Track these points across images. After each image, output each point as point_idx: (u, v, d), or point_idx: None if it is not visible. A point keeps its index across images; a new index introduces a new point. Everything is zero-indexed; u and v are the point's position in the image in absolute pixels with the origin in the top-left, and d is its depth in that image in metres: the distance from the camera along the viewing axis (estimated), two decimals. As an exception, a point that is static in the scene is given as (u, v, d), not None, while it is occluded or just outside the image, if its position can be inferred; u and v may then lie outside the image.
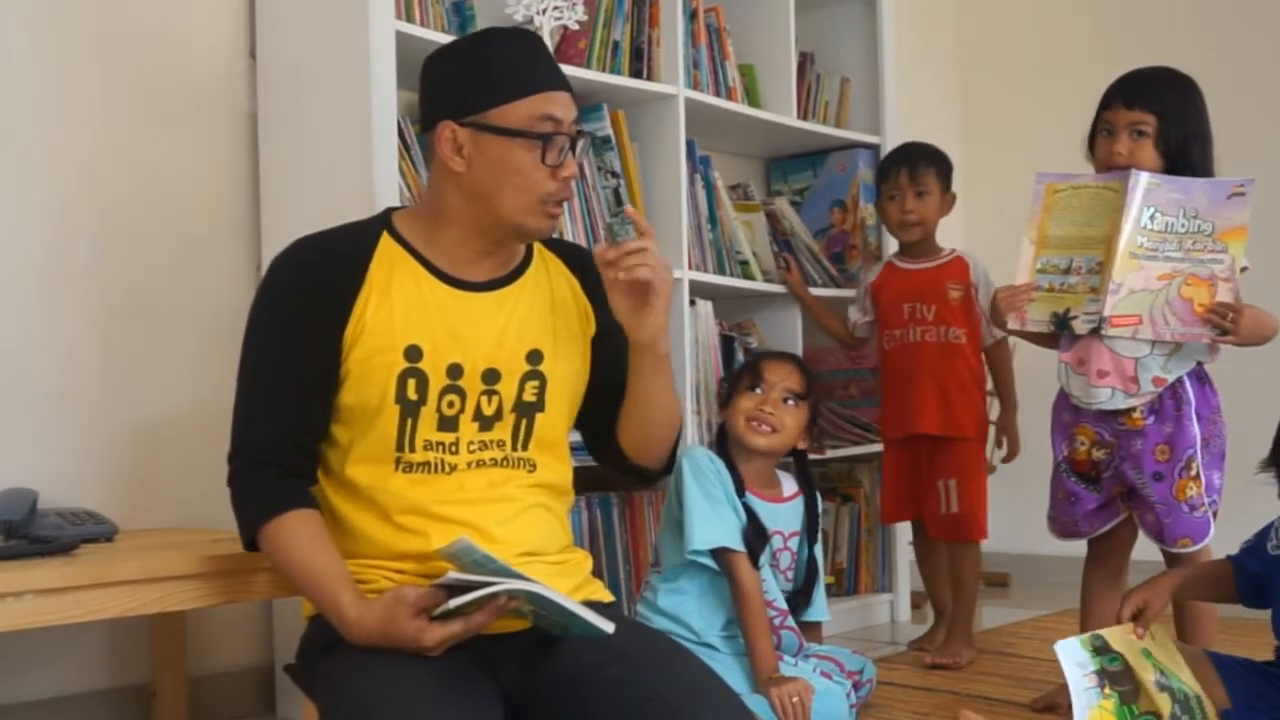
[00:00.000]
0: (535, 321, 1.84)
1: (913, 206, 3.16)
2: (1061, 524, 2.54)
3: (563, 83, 1.83)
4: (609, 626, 1.61)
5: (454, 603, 1.55)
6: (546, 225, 1.82)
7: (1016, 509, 4.40)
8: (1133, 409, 2.43)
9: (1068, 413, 2.54)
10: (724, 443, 2.59)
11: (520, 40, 1.85)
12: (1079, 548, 2.58)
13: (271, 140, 2.68)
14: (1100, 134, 2.51)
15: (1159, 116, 2.44)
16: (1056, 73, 4.50)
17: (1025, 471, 4.34)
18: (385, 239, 1.82)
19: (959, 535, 3.13)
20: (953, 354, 3.13)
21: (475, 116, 1.78)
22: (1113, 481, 2.46)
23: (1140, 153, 2.44)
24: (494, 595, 1.55)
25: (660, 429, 1.95)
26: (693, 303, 3.07)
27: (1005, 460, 3.25)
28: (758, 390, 2.55)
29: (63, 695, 2.43)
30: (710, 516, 2.42)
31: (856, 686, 2.50)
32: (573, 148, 1.80)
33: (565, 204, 1.89)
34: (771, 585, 2.52)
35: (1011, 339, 3.04)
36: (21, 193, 2.42)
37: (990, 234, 4.59)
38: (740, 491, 2.50)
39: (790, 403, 2.55)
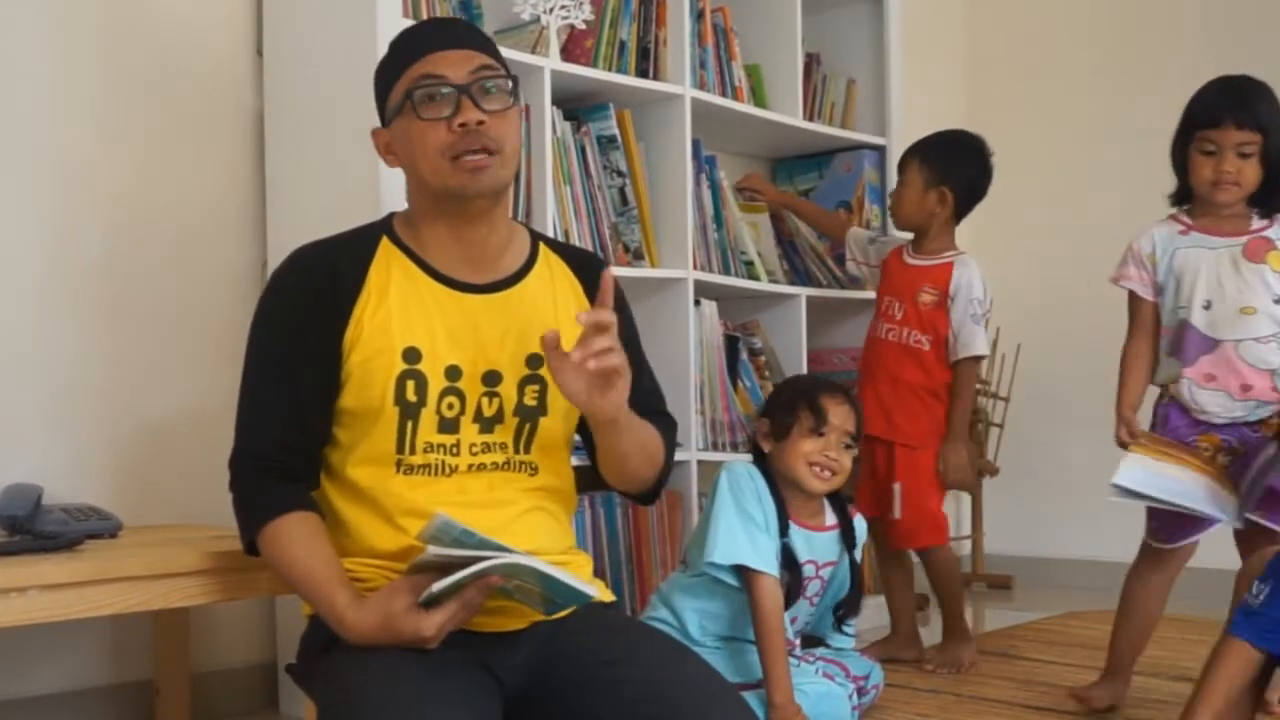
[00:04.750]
0: (537, 325, 1.82)
1: (891, 196, 3.15)
2: (1168, 531, 2.49)
3: (447, 42, 1.78)
4: (594, 591, 1.61)
5: (438, 586, 1.54)
6: (467, 179, 1.74)
7: (1019, 512, 4.43)
8: (1269, 416, 2.45)
9: (1184, 424, 2.51)
10: (766, 469, 2.48)
11: (414, 26, 1.88)
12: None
13: (278, 138, 2.68)
14: (1199, 153, 2.47)
15: (1264, 133, 2.43)
16: (1064, 74, 4.50)
17: (1027, 475, 4.37)
18: (385, 243, 1.82)
19: (905, 543, 3.04)
20: (908, 359, 3.03)
21: (385, 112, 1.83)
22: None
23: (1246, 170, 2.45)
24: (483, 572, 1.55)
25: (640, 471, 1.92)
26: (697, 303, 3.07)
27: (949, 487, 3.06)
28: (822, 433, 2.45)
29: (66, 691, 2.43)
30: (737, 533, 2.34)
31: (861, 692, 2.49)
32: (467, 94, 1.74)
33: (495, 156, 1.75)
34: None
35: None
36: (27, 190, 2.42)
37: (995, 235, 4.59)
38: (785, 528, 2.41)
39: (847, 445, 2.48)
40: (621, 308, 1.97)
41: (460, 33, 1.84)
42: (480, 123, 1.73)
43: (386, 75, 1.83)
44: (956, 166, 3.07)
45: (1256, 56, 4.05)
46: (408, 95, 1.76)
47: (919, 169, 3.07)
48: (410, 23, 2.50)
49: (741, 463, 2.47)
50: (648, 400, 1.99)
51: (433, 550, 1.56)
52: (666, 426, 2.01)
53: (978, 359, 3.01)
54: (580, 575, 1.84)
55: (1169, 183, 2.59)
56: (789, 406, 2.49)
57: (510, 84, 1.80)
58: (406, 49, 1.81)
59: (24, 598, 1.80)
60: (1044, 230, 4.51)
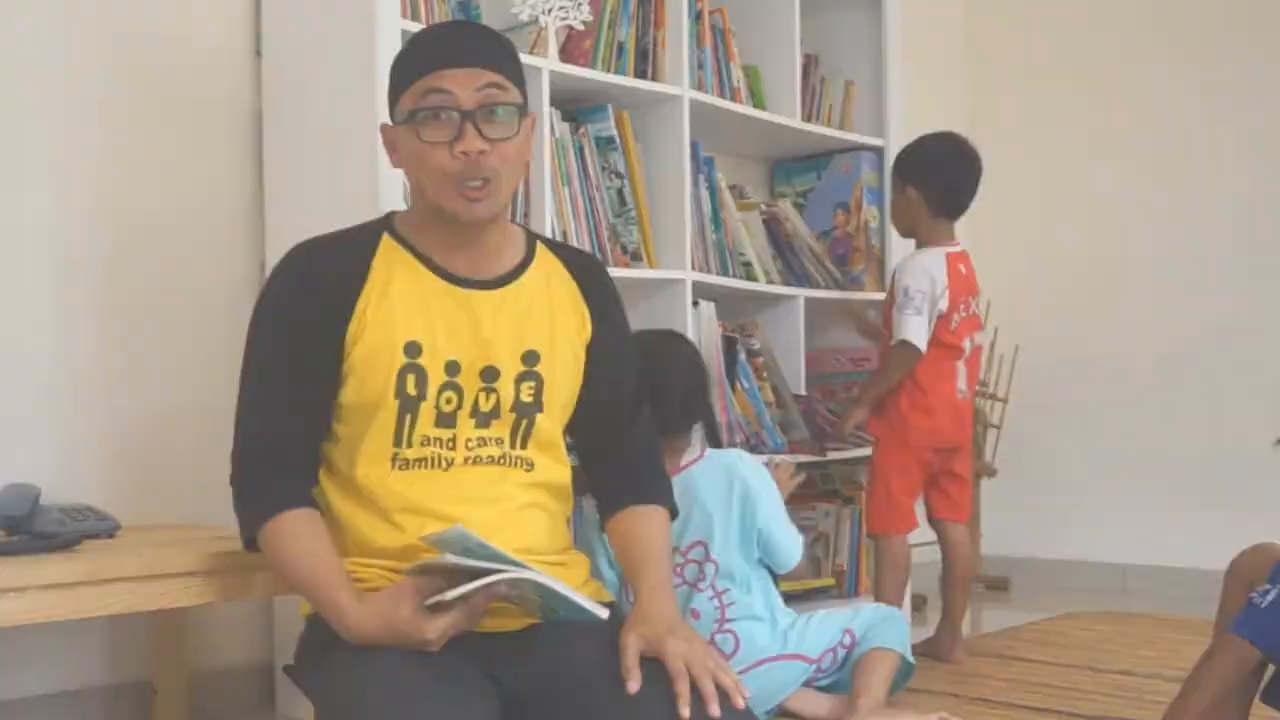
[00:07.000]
0: (533, 323, 1.84)
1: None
2: None
3: (460, 59, 1.74)
4: (603, 612, 1.63)
5: (451, 594, 1.56)
6: (462, 207, 1.74)
7: (1017, 513, 4.43)
8: None
9: None
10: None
11: (433, 29, 1.85)
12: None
13: (276, 139, 2.68)
14: None
15: None
16: (1063, 76, 4.51)
17: (1025, 476, 4.38)
18: (386, 239, 1.83)
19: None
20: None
21: (392, 113, 1.80)
22: None
23: None
24: (493, 585, 1.56)
25: None
26: (695, 304, 3.07)
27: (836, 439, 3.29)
28: None
29: (64, 691, 2.43)
30: None
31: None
32: (471, 120, 1.72)
33: (491, 183, 1.74)
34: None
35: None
36: (27, 190, 2.43)
37: (997, 235, 4.60)
38: None
39: None
40: (616, 312, 1.97)
41: (475, 45, 1.79)
42: (481, 152, 1.72)
43: (397, 78, 1.80)
44: (918, 165, 3.17)
45: (1253, 59, 4.08)
46: (412, 114, 1.74)
47: (894, 177, 3.24)
48: (409, 24, 2.50)
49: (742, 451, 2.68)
50: (650, 475, 2.00)
51: (449, 557, 1.56)
52: (668, 503, 2.00)
53: (906, 345, 3.05)
54: (576, 576, 1.85)
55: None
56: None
57: (516, 108, 1.77)
58: (419, 57, 1.78)
59: (21, 598, 1.81)
60: (1043, 231, 4.52)
